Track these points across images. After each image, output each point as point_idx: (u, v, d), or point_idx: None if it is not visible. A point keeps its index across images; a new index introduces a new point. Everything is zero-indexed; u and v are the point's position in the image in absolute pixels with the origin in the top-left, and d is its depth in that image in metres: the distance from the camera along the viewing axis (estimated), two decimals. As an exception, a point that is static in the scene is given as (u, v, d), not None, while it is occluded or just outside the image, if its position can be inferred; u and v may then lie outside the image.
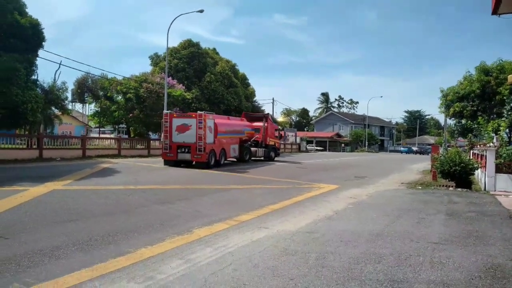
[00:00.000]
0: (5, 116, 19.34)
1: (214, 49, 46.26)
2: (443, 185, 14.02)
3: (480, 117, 21.63)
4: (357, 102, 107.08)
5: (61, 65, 27.26)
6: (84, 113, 48.39)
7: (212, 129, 19.49)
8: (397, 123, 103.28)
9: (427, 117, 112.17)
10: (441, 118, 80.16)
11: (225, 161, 21.92)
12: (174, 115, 20.23)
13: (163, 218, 7.27)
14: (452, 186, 13.60)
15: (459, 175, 13.44)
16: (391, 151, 79.34)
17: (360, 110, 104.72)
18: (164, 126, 19.60)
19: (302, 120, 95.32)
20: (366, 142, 71.16)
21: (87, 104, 41.13)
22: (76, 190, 10.27)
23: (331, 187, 13.13)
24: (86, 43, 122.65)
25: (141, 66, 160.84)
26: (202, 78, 39.41)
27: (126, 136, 36.67)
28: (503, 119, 21.06)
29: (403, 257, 5.11)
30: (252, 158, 25.56)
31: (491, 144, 15.00)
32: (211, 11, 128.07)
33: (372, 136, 76.21)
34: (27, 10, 20.54)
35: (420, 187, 13.71)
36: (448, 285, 4.18)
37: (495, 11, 8.94)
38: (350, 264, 4.79)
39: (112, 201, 8.99)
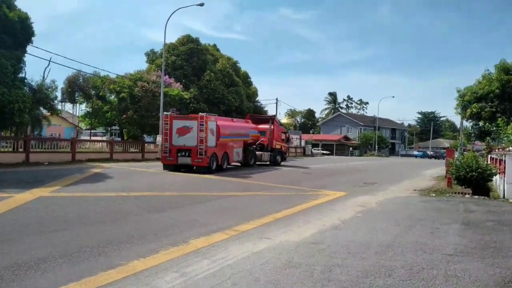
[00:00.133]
0: (-11, 117, 19.39)
1: (215, 45, 46.43)
2: (458, 192, 13.97)
3: (499, 119, 21.45)
4: (366, 103, 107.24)
5: (50, 62, 27.35)
6: (74, 114, 48.49)
7: (214, 131, 19.57)
8: (409, 125, 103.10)
9: (442, 118, 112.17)
10: (457, 120, 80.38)
11: (228, 166, 21.96)
12: (175, 116, 20.35)
13: (157, 228, 7.26)
14: (468, 193, 13.55)
15: (476, 182, 13.38)
16: (402, 155, 79.15)
17: (370, 111, 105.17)
18: (164, 128, 19.69)
19: (307, 121, 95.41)
20: (376, 146, 71.02)
21: (77, 104, 41.19)
22: (65, 197, 10.26)
23: (338, 194, 13.10)
24: (78, 39, 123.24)
25: (136, 64, 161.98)
26: (201, 76, 39.53)
27: (119, 139, 36.70)
28: (524, 121, 20.97)
29: (416, 270, 5.08)
30: (257, 163, 25.65)
31: (511, 148, 14.93)
32: (214, 5, 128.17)
33: (383, 139, 76.05)
34: (16, 3, 20.67)
35: (434, 195, 13.65)
36: (464, 302, 4.14)
37: None
38: (359, 277, 4.75)
39: (102, 209, 8.97)
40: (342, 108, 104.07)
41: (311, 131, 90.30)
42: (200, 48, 41.13)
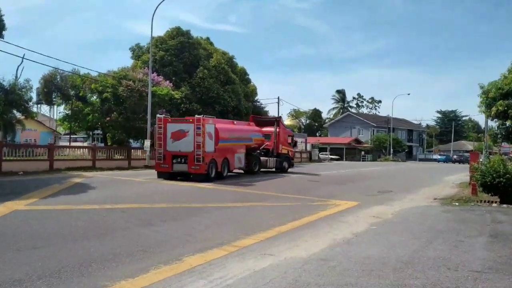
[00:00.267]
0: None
1: (208, 38, 46.61)
2: (485, 201, 13.97)
3: (529, 118, 21.59)
4: (379, 101, 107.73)
5: (24, 59, 27.42)
6: (51, 117, 48.61)
7: (212, 135, 19.63)
8: (428, 126, 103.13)
9: (464, 118, 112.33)
10: (481, 119, 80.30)
11: (230, 173, 22.04)
12: (169, 119, 20.43)
13: (146, 244, 7.25)
14: (496, 202, 13.56)
15: (504, 189, 13.37)
16: (421, 159, 79.27)
17: (383, 111, 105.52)
18: (158, 132, 19.75)
19: (313, 123, 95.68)
20: (391, 149, 71.12)
21: (55, 106, 41.31)
22: (42, 211, 10.25)
23: (349, 204, 13.12)
24: (55, 33, 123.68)
25: (120, 60, 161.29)
26: (194, 73, 39.63)
27: (102, 145, 36.75)
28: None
29: (439, 290, 5.07)
30: (262, 170, 25.74)
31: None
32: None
33: (398, 141, 76.17)
34: None
35: (457, 204, 13.67)
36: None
37: None
38: (374, 298, 4.75)
39: (85, 224, 8.96)
40: (351, 107, 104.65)
41: (317, 134, 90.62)
42: (192, 42, 41.27)
